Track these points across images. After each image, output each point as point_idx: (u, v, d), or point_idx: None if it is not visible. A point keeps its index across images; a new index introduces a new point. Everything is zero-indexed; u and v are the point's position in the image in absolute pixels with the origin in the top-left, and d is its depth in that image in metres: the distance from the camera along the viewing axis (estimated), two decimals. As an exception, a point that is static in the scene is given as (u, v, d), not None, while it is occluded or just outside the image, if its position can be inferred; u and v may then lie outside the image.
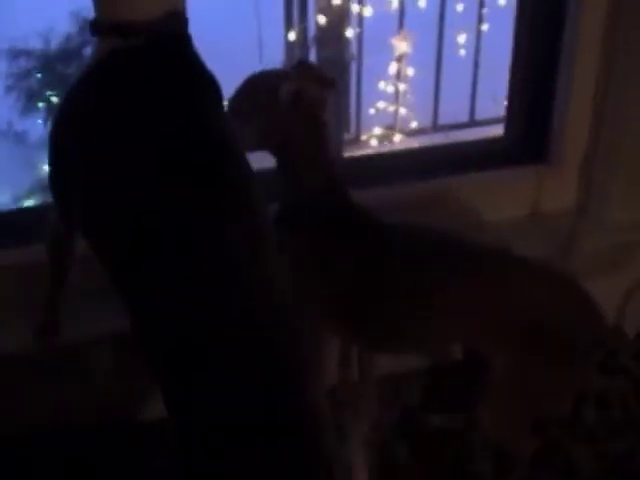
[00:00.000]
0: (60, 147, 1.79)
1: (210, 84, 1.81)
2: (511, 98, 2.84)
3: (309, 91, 1.97)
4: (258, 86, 2.02)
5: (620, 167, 2.69)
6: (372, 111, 3.87)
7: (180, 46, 1.76)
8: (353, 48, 3.73)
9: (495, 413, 2.08)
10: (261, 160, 2.05)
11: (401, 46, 3.72)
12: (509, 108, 2.85)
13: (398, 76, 3.77)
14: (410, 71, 3.78)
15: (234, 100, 2.06)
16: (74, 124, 1.74)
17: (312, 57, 3.58)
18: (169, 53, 1.73)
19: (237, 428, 1.61)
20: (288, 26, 3.53)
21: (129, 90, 1.70)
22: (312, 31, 3.58)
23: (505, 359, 2.03)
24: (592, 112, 2.66)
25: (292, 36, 3.49)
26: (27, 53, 3.84)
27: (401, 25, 3.74)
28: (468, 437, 2.39)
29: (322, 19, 3.54)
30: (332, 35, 3.64)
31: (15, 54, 3.85)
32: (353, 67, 3.76)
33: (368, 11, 3.68)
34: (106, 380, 2.36)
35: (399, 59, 3.74)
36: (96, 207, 1.73)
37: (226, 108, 1.99)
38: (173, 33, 1.74)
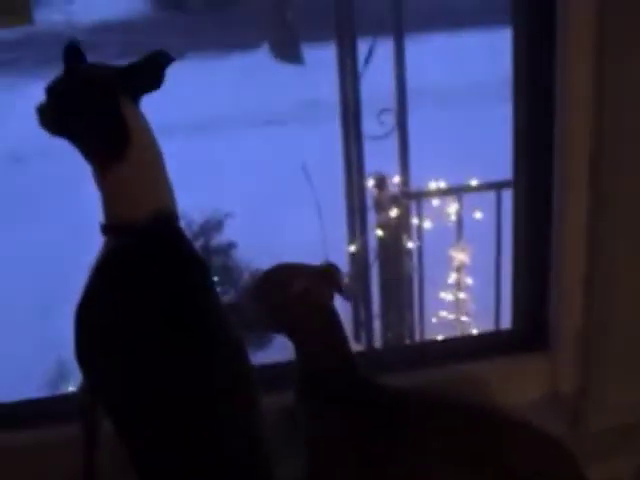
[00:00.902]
0: (83, 329, 2.05)
1: (201, 269, 2.14)
2: (515, 296, 3.11)
3: (316, 290, 2.19)
4: (273, 277, 2.24)
5: (616, 353, 2.84)
6: (434, 320, 3.93)
7: (170, 240, 2.07)
8: (414, 259, 3.88)
9: None
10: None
11: (459, 256, 3.80)
12: (514, 304, 3.12)
13: (458, 285, 3.82)
14: (469, 280, 3.80)
15: (252, 285, 2.33)
16: (92, 311, 2.04)
17: (374, 268, 3.88)
18: (161, 246, 2.04)
19: None
20: (351, 238, 3.94)
21: (130, 283, 2.01)
22: (373, 243, 3.89)
23: None
24: (583, 304, 2.85)
25: (353, 248, 3.95)
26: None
27: (459, 236, 3.81)
28: None
29: (381, 232, 3.87)
30: (393, 247, 3.89)
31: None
32: (415, 278, 3.87)
33: (427, 224, 3.86)
34: None
35: (458, 269, 3.81)
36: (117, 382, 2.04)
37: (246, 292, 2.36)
38: (164, 228, 2.05)
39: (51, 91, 2.05)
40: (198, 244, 4.39)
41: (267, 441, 2.13)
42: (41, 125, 2.08)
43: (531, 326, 3.03)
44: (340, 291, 2.26)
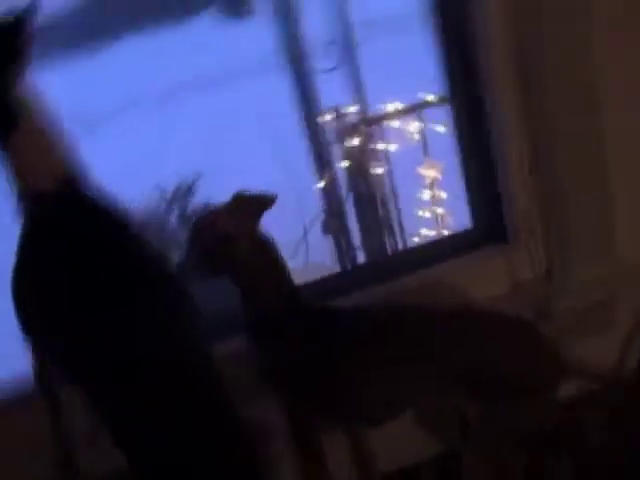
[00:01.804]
0: (22, 299, 2.09)
1: (121, 223, 2.17)
2: (470, 197, 3.24)
3: (221, 221, 2.23)
4: (196, 226, 2.32)
5: (572, 235, 2.96)
6: (417, 240, 3.94)
7: (82, 202, 2.10)
8: (386, 184, 3.88)
9: (479, 459, 2.18)
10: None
11: (430, 173, 3.81)
12: (471, 205, 3.25)
13: (433, 201, 3.84)
14: (444, 194, 3.81)
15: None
16: (27, 281, 2.08)
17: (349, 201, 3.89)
18: (76, 210, 2.08)
19: None
20: (319, 175, 3.93)
21: (57, 248, 2.06)
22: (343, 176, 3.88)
23: (475, 407, 2.15)
24: (532, 194, 3.01)
25: (321, 184, 3.93)
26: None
27: (426, 153, 3.82)
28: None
29: (347, 163, 3.82)
30: (362, 176, 3.90)
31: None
32: (391, 201, 3.88)
33: (393, 147, 3.86)
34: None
35: (431, 186, 3.82)
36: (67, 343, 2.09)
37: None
38: (75, 193, 2.08)
39: None
40: (175, 214, 4.37)
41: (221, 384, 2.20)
42: None
43: (489, 223, 3.18)
44: (264, 208, 2.26)
